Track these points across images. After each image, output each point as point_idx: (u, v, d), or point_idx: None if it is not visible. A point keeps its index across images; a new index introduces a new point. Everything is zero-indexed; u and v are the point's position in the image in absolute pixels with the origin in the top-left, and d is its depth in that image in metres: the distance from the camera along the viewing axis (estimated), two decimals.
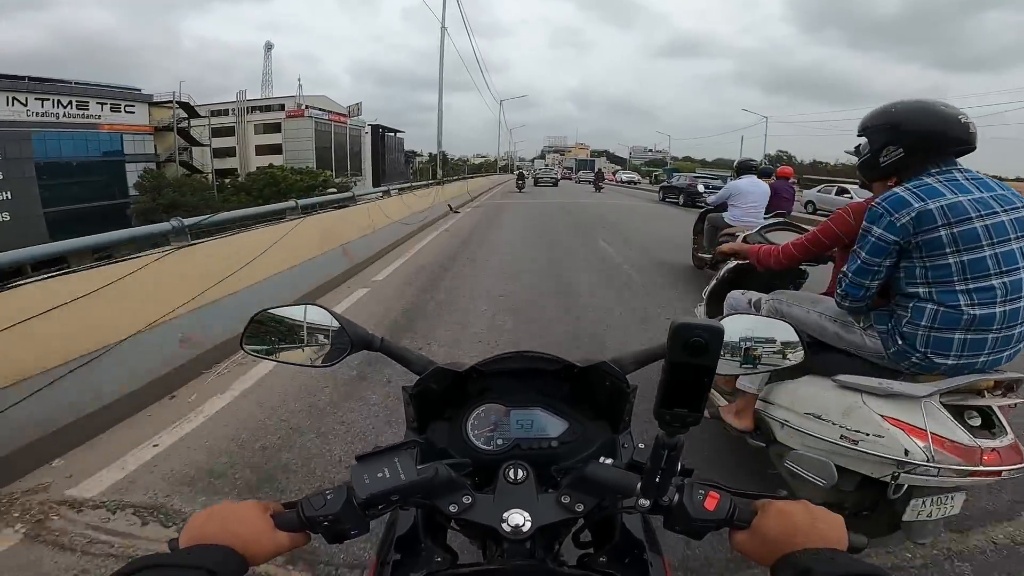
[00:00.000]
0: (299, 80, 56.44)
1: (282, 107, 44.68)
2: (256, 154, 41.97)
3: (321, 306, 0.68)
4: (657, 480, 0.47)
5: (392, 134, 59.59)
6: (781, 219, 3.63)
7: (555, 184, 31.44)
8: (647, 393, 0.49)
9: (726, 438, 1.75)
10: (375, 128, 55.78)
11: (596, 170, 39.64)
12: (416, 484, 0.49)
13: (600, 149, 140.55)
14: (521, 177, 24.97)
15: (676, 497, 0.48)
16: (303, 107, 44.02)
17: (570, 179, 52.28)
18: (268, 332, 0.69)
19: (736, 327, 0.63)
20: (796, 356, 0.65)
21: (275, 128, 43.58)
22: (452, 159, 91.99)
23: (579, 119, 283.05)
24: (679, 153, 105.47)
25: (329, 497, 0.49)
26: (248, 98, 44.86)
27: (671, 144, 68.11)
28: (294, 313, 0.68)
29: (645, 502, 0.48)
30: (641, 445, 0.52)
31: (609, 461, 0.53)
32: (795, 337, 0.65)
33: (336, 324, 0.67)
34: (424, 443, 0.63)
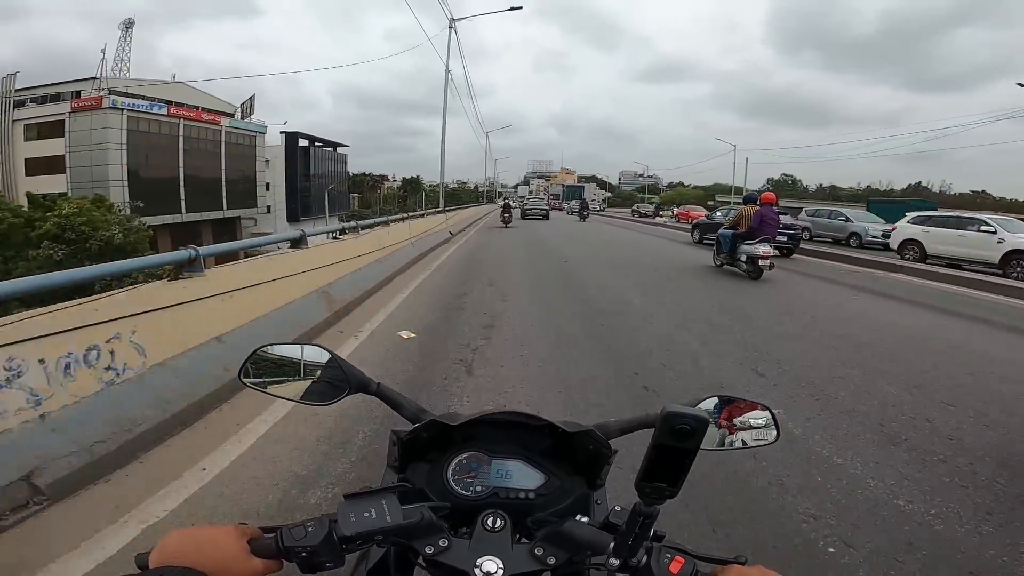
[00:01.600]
0: (103, 52, 30.61)
1: (78, 94, 26.45)
2: (27, 173, 25.71)
3: (321, 346, 0.74)
4: (630, 543, 0.51)
5: (330, 149, 45.04)
6: (760, 238, 8.11)
7: (545, 217, 28.04)
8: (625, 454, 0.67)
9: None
10: (291, 138, 38.87)
11: (580, 199, 40.62)
12: (400, 527, 0.53)
13: (587, 174, 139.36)
14: (507, 209, 21.53)
15: (644, 559, 0.52)
16: (103, 93, 26.10)
17: (559, 209, 48.85)
18: (268, 367, 0.74)
19: (718, 408, 0.72)
20: (770, 436, 0.72)
21: (58, 130, 25.72)
22: (429, 186, 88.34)
23: (561, 144, 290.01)
24: (671, 179, 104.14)
25: (310, 529, 0.52)
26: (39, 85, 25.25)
27: (663, 170, 66.48)
28: (294, 351, 0.73)
29: (615, 562, 0.52)
30: (618, 508, 0.56)
31: (584, 519, 0.58)
32: (772, 420, 0.72)
33: (335, 365, 0.72)
34: (408, 488, 0.65)
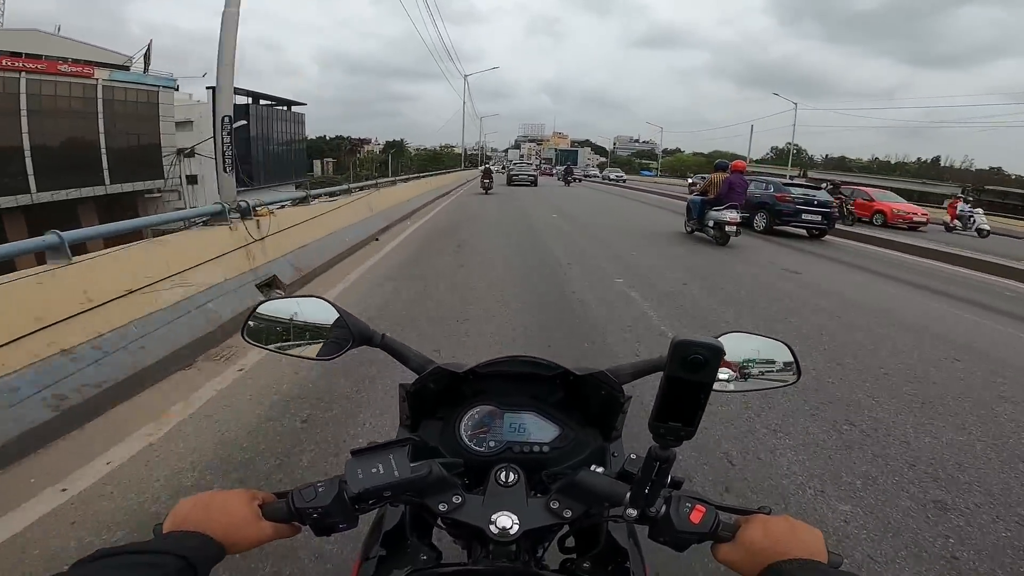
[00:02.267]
0: None
1: None
2: None
3: (324, 299, 0.72)
4: (647, 491, 0.50)
5: (282, 107, 36.74)
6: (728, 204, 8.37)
7: (533, 183, 25.84)
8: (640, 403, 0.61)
9: None
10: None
11: (566, 165, 40.61)
12: (409, 481, 0.53)
13: (581, 139, 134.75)
14: (488, 174, 19.95)
15: (663, 509, 0.52)
16: None
17: (550, 175, 46.02)
18: (270, 322, 0.72)
19: (736, 345, 0.66)
20: (790, 377, 0.70)
21: None
22: (415, 150, 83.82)
23: (554, 111, 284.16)
24: (668, 145, 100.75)
25: (320, 490, 0.52)
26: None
27: (662, 136, 62.25)
28: (297, 304, 0.72)
29: (633, 512, 0.51)
30: (633, 456, 0.55)
31: (600, 469, 0.57)
32: (792, 359, 0.70)
33: (337, 317, 0.70)
34: (417, 441, 0.64)
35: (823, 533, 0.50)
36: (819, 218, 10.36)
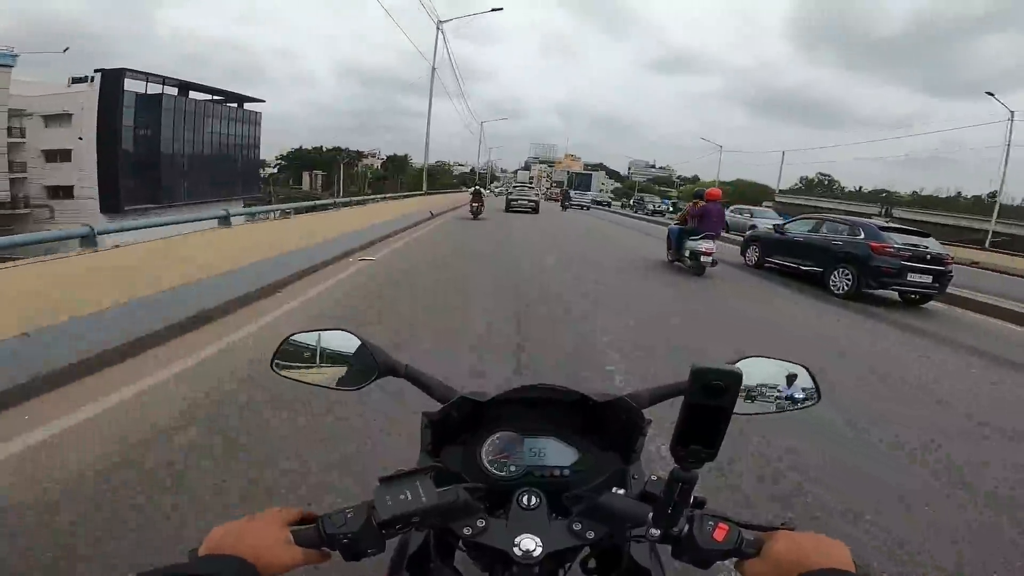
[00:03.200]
0: None
1: None
2: None
3: (350, 331, 0.77)
4: (669, 511, 0.52)
5: (228, 104, 29.67)
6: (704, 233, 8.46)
7: (535, 210, 23.14)
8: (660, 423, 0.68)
9: None
10: (112, 81, 23.19)
11: (563, 189, 41.82)
12: (436, 507, 0.54)
13: (591, 161, 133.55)
14: (477, 197, 17.73)
15: (686, 528, 0.53)
16: None
17: (555, 200, 43.41)
18: (298, 353, 0.77)
19: (755, 369, 0.71)
20: (810, 400, 0.73)
21: None
22: (418, 165, 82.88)
23: (563, 132, 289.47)
24: (686, 173, 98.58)
25: (349, 516, 0.54)
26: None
27: (676, 163, 59.81)
28: (324, 336, 0.77)
29: (655, 532, 0.53)
30: (654, 476, 0.56)
31: (621, 491, 0.58)
32: (811, 383, 0.73)
33: (364, 349, 0.75)
34: (441, 468, 0.67)
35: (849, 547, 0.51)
36: (930, 278, 7.59)
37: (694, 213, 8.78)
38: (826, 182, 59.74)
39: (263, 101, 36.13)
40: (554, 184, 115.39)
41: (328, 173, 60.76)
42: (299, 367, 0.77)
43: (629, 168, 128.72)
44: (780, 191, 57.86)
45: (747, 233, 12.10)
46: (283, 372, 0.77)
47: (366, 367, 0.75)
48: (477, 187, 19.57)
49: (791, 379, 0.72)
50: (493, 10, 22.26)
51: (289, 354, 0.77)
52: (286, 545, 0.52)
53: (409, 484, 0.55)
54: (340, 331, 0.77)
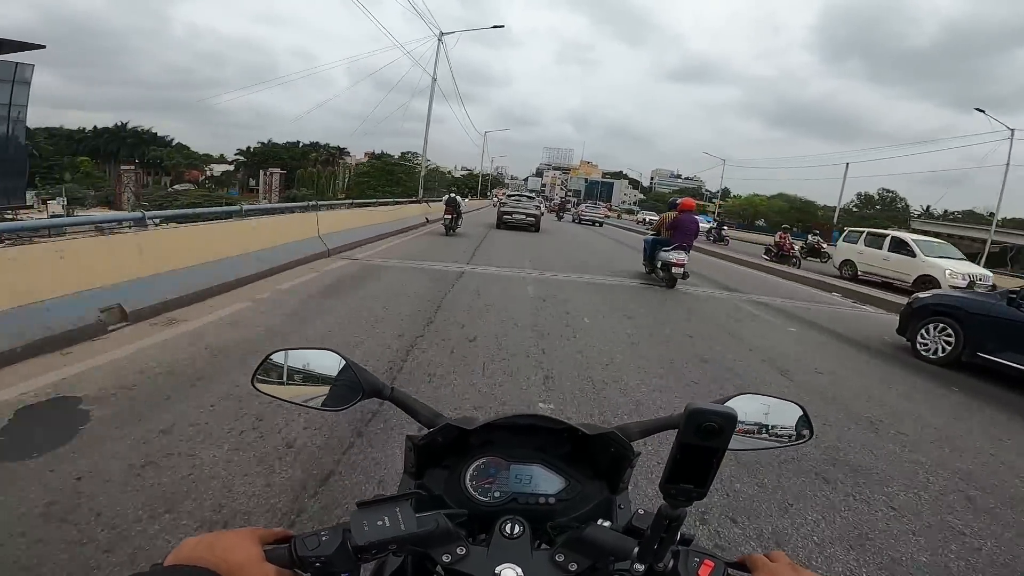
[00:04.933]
0: None
1: None
2: None
3: (335, 351, 0.79)
4: (656, 547, 0.54)
5: None
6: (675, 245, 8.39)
7: (534, 227, 18.65)
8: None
9: None
10: None
11: (562, 198, 43.51)
12: (415, 536, 0.55)
13: (613, 170, 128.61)
14: (452, 207, 14.32)
15: (671, 564, 0.55)
16: None
17: (560, 213, 38.27)
18: (281, 370, 0.78)
19: (747, 406, 0.73)
20: (803, 439, 0.75)
21: None
22: (425, 168, 78.99)
23: (576, 141, 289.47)
24: (713, 185, 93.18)
25: (324, 538, 0.55)
26: None
27: (719, 171, 53.77)
28: (308, 356, 0.79)
29: (640, 567, 0.55)
30: (642, 511, 0.60)
31: (607, 524, 0.61)
32: (805, 422, 0.76)
33: (348, 370, 0.78)
34: (423, 495, 0.69)
35: None
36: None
37: (669, 224, 8.78)
38: (888, 199, 53.76)
39: (42, 47, 24.65)
40: (569, 193, 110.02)
41: (289, 171, 55.96)
42: (281, 385, 0.78)
43: (652, 178, 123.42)
44: (822, 208, 52.30)
45: (921, 298, 6.24)
46: (264, 389, 0.78)
47: (350, 388, 0.77)
48: (451, 195, 15.22)
49: (785, 416, 0.76)
50: (495, 27, 23.34)
51: (271, 372, 0.79)
52: (258, 562, 0.53)
53: (388, 510, 0.56)
54: (325, 350, 0.80)
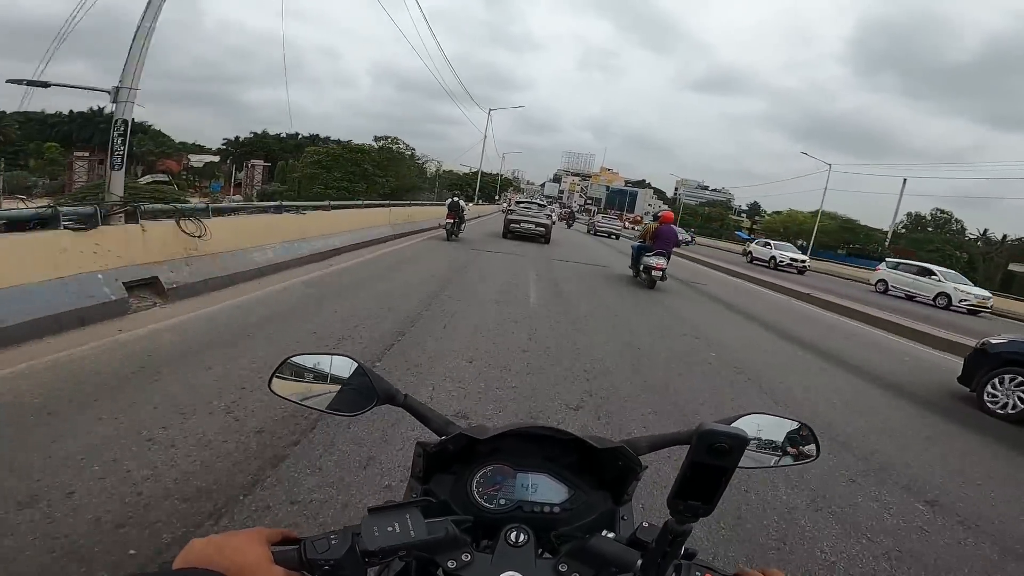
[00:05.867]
0: None
1: None
2: None
3: (350, 356, 0.86)
4: (659, 561, 0.57)
5: None
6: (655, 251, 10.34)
7: (544, 238, 18.45)
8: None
9: None
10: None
11: (568, 206, 44.58)
12: (424, 543, 0.60)
13: (636, 178, 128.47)
14: (454, 211, 14.69)
15: None
16: None
17: (570, 221, 38.46)
18: (298, 374, 0.86)
19: (756, 425, 0.80)
20: (809, 457, 0.82)
21: None
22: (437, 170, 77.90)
23: (596, 148, 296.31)
24: (742, 199, 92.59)
25: (333, 542, 0.59)
26: None
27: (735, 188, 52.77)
28: (322, 361, 0.86)
29: None
30: (646, 524, 0.63)
31: (611, 535, 0.65)
32: (812, 441, 0.82)
33: (364, 376, 0.84)
34: (432, 502, 0.72)
35: None
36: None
37: (652, 234, 10.82)
38: (942, 220, 52.33)
39: None
40: (589, 201, 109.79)
41: (274, 164, 54.83)
42: (297, 388, 0.85)
43: (676, 188, 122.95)
44: (865, 229, 50.92)
45: (994, 344, 5.70)
46: (280, 392, 0.85)
47: (365, 393, 0.83)
48: (454, 199, 15.64)
49: (791, 435, 0.82)
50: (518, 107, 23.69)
51: (288, 375, 0.85)
52: (266, 564, 0.56)
53: (398, 516, 0.61)
54: (341, 356, 0.86)
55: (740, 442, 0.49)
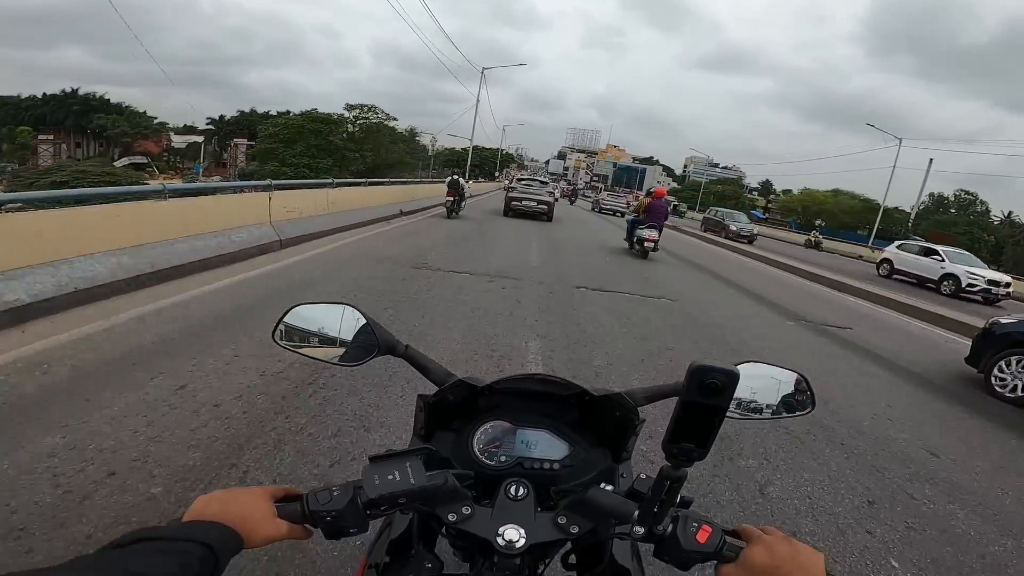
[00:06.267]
0: None
1: None
2: None
3: (354, 307, 0.88)
4: (656, 509, 0.60)
5: None
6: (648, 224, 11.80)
7: (546, 216, 18.54)
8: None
9: None
10: None
11: (571, 184, 47.42)
12: (423, 490, 0.63)
13: (644, 156, 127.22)
14: (454, 188, 15.02)
15: (670, 527, 0.62)
16: None
17: (572, 198, 38.95)
18: (300, 325, 0.89)
19: (752, 374, 0.81)
20: (804, 409, 0.85)
21: None
22: (441, 148, 75.84)
23: (602, 126, 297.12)
24: (753, 177, 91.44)
25: (335, 494, 0.62)
26: None
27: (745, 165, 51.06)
28: (327, 311, 0.89)
29: (640, 529, 0.61)
30: (643, 476, 0.65)
31: (609, 488, 0.68)
32: (807, 392, 0.85)
33: (365, 326, 0.87)
34: (433, 451, 0.74)
35: (824, 555, 0.60)
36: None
37: (645, 208, 12.22)
38: (966, 201, 51.66)
39: None
40: (595, 178, 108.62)
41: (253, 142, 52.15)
42: (300, 339, 0.88)
43: (686, 165, 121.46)
44: (887, 210, 49.65)
45: (1003, 324, 5.58)
46: (283, 343, 0.88)
47: (366, 344, 0.85)
48: (454, 176, 15.66)
49: (786, 386, 0.84)
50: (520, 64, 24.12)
51: (291, 326, 0.88)
52: (270, 518, 0.60)
53: (398, 465, 0.63)
54: (343, 305, 0.88)
55: (732, 379, 0.50)
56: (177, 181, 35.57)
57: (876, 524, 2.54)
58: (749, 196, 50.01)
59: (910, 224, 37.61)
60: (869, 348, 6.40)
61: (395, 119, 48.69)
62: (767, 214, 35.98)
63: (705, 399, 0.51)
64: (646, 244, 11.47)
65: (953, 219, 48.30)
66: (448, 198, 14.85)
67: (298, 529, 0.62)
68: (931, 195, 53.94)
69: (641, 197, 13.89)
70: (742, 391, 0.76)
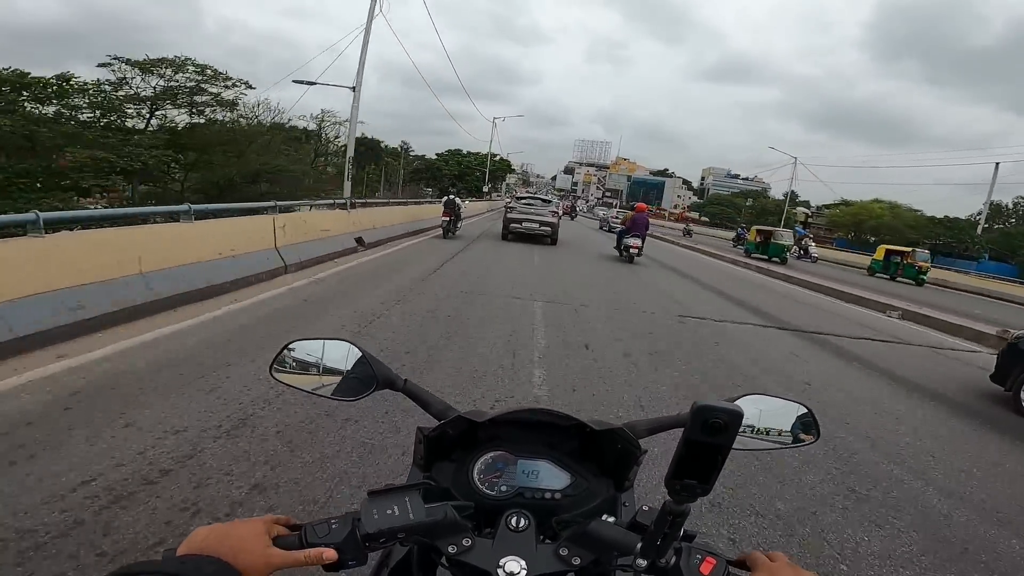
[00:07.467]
0: None
1: None
2: None
3: (350, 342, 0.96)
4: (659, 543, 0.64)
5: None
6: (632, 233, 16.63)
7: (549, 239, 19.24)
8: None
9: None
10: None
11: (571, 199, 53.20)
12: (423, 525, 0.68)
13: (659, 168, 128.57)
14: (450, 209, 17.02)
15: (673, 560, 0.66)
16: None
17: (572, 214, 44.47)
18: (298, 361, 0.97)
19: (754, 406, 0.90)
20: (808, 440, 0.93)
21: None
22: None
23: (606, 141, 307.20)
24: (776, 188, 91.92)
25: (334, 526, 0.67)
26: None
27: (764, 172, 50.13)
28: (325, 346, 0.97)
29: (642, 562, 0.65)
30: (646, 507, 0.70)
31: (611, 519, 0.72)
32: (811, 423, 0.93)
33: (363, 361, 0.95)
34: (432, 485, 0.83)
35: None
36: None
37: (630, 221, 16.58)
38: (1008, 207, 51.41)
39: None
40: (607, 193, 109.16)
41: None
42: (297, 374, 0.96)
43: (703, 178, 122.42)
44: (950, 221, 49.41)
45: None
46: (281, 378, 0.96)
47: (364, 379, 0.94)
48: (451, 196, 17.59)
49: (791, 417, 0.92)
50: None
51: (288, 361, 0.96)
52: (268, 550, 0.64)
53: (398, 499, 0.68)
54: (341, 341, 0.96)
55: (735, 418, 0.54)
56: None
57: None
58: (793, 213, 48.99)
59: (978, 233, 36.99)
60: None
61: (252, 87, 33.56)
62: (807, 229, 35.04)
63: (709, 438, 0.55)
64: (631, 251, 15.71)
65: (1022, 231, 47.60)
66: (444, 218, 16.74)
67: (295, 561, 0.66)
68: (989, 204, 53.88)
69: (628, 213, 18.34)
70: (747, 421, 0.84)
